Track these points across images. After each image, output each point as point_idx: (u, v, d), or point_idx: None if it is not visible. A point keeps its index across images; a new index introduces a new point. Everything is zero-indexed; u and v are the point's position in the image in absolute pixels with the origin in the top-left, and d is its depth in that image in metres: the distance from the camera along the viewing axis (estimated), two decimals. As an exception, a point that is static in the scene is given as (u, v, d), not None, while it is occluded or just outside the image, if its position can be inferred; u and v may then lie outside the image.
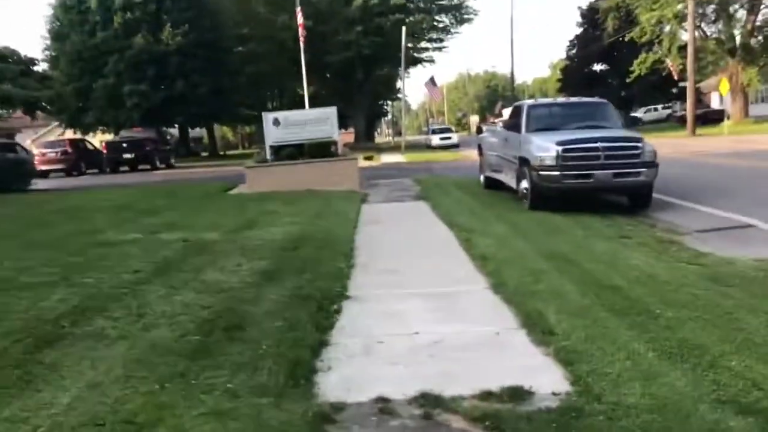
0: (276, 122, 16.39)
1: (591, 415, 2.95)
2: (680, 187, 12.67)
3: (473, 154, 34.48)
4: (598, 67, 60.91)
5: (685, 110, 44.30)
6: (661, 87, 53.80)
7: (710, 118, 45.54)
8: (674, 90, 54.27)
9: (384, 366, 3.84)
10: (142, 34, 38.57)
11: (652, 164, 10.61)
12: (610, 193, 11.10)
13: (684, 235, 8.73)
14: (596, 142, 10.52)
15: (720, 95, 53.38)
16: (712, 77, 49.89)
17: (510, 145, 12.55)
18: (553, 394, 3.29)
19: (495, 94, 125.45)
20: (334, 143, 16.07)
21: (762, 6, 43.58)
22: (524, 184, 11.30)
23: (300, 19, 28.49)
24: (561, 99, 13.31)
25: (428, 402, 3.25)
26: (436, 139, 45.61)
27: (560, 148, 10.50)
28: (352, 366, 3.87)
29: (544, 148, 10.82)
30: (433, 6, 51.35)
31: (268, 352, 3.89)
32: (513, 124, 12.72)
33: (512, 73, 57.48)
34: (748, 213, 9.65)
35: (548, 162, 10.63)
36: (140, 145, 31.31)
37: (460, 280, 5.85)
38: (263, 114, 16.72)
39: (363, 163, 28.29)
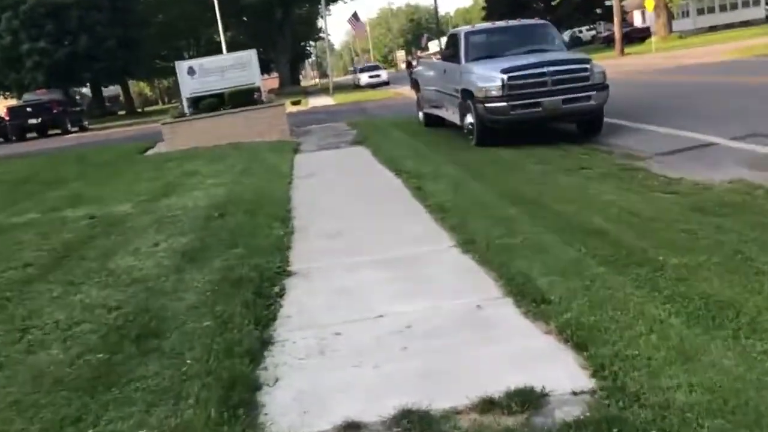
0: (191, 71, 14.91)
1: (638, 428, 2.18)
2: (627, 108, 12.11)
3: (405, 90, 33.51)
4: (522, -8, 60.02)
5: (609, 30, 44.26)
6: (584, 8, 53.50)
7: (635, 36, 45.68)
8: (598, 10, 54.09)
9: (347, 370, 2.99)
10: (35, -15, 35.22)
11: (603, 86, 9.94)
12: (560, 121, 10.41)
13: (645, 159, 8.15)
14: (543, 67, 9.74)
15: (642, 13, 53.80)
16: (635, -5, 49.92)
17: (449, 78, 11.65)
18: (574, 394, 2.51)
19: (419, 28, 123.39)
20: (257, 90, 14.78)
21: None
22: (469, 118, 10.48)
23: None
24: (501, 23, 12.36)
25: (414, 425, 2.42)
26: (364, 78, 44.19)
27: (505, 76, 9.68)
28: (306, 374, 3.00)
29: (488, 77, 9.97)
30: (350, -63, 48.90)
31: (194, 369, 2.97)
32: (450, 55, 11.78)
33: (436, 4, 55.88)
34: (703, 130, 9.16)
35: (494, 92, 9.80)
36: (46, 108, 28.77)
37: (420, 238, 5.00)
38: (176, 63, 15.21)
39: (291, 108, 26.87)
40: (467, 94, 10.50)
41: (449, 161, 8.77)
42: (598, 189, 6.37)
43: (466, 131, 10.69)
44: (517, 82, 9.68)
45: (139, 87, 75.30)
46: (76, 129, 31.33)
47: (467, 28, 11.80)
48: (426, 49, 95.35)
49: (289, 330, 3.51)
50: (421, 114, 14.29)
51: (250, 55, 15.20)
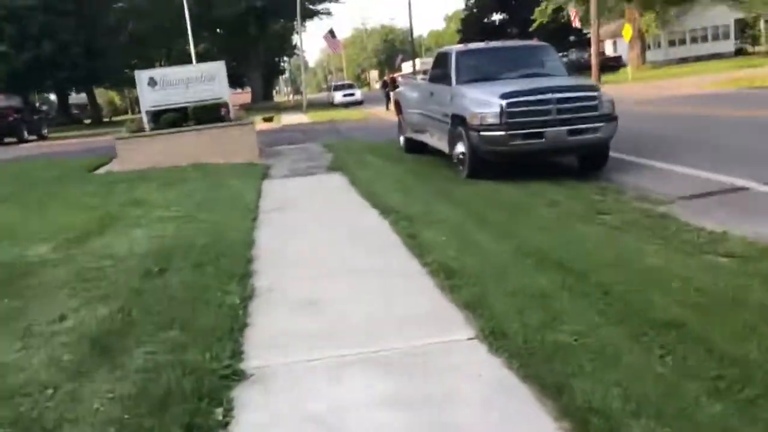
0: (152, 82, 13.48)
1: None
2: (626, 140, 11.02)
3: (380, 110, 32.46)
4: (497, 16, 59.82)
5: (582, 58, 43.96)
6: (558, 36, 53.32)
7: (607, 65, 45.40)
8: (571, 38, 53.98)
9: None
10: (-5, -13, 33.40)
11: (611, 118, 8.81)
12: (564, 154, 9.25)
13: (666, 204, 7.01)
14: (547, 93, 8.59)
15: (614, 43, 53.88)
16: (605, 25, 49.78)
17: (437, 101, 10.46)
18: None
19: (393, 49, 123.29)
20: (225, 105, 13.39)
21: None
22: (460, 147, 9.27)
23: (179, -36, 24.86)
24: (496, 43, 11.26)
25: None
26: (338, 96, 42.99)
27: (504, 102, 8.50)
28: None
29: (484, 102, 8.79)
30: (328, -46, 47.95)
31: None
32: (439, 75, 10.59)
33: (411, 25, 55.05)
34: (725, 171, 8.10)
35: (490, 119, 8.62)
36: (1, 116, 26.92)
37: (426, 320, 3.69)
38: (136, 73, 13.73)
39: (262, 125, 25.50)
40: (458, 120, 9.32)
41: (441, 198, 7.52)
42: (632, 247, 5.15)
43: (455, 161, 9.48)
44: (517, 109, 8.52)
45: (109, 95, 73.15)
46: (34, 137, 29.52)
47: (459, 47, 10.65)
48: (400, 69, 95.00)
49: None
50: (402, 138, 13.08)
51: (219, 67, 13.82)
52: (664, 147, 10.46)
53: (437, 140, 10.77)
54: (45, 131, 30.87)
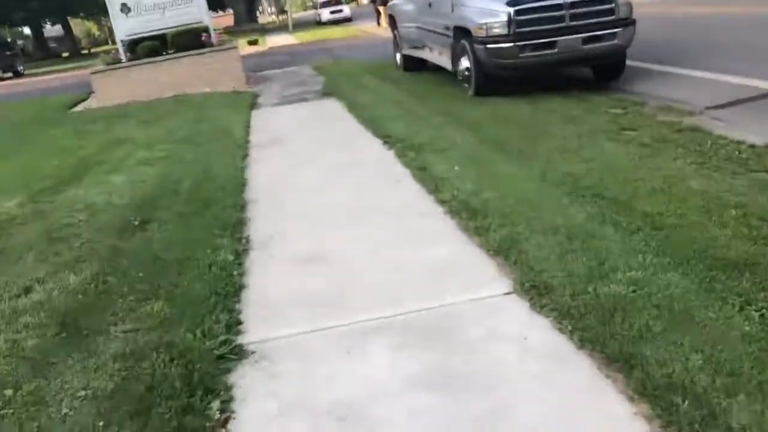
0: (125, 8, 12.49)
1: None
2: (637, 44, 10.26)
3: (370, 27, 31.00)
4: None
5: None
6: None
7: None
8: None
9: None
10: None
11: (629, 22, 8.03)
12: (578, 64, 8.51)
13: (695, 114, 6.40)
14: (558, -3, 7.79)
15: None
16: None
17: (437, 13, 9.61)
18: None
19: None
20: (206, 30, 12.46)
21: None
22: (464, 63, 8.53)
23: None
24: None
25: None
26: (326, 14, 41.15)
27: (512, 10, 7.71)
28: None
29: (490, 11, 7.99)
30: None
31: None
32: (437, -16, 9.68)
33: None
34: (754, 73, 7.43)
35: (497, 30, 7.85)
36: (-30, 54, 25.68)
37: (451, 271, 3.16)
38: (106, -1, 12.71)
39: (247, 49, 24.33)
40: (462, 32, 8.54)
41: (449, 120, 6.89)
42: (670, 168, 4.59)
43: (460, 78, 8.76)
44: (526, 17, 7.74)
45: (86, 26, 70.39)
46: (9, 75, 28.32)
47: (457, -49, 9.70)
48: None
49: None
50: (398, 56, 12.24)
51: (196, -12, 12.78)
52: (678, 50, 9.70)
53: (438, 56, 9.99)
54: (21, 68, 29.60)
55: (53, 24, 44.79)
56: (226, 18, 62.18)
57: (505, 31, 7.79)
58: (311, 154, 6.14)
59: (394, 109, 7.78)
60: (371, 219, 4.04)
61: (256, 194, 4.85)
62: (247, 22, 51.60)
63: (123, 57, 12.59)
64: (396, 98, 8.69)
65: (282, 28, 41.17)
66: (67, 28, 47.02)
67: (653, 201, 3.79)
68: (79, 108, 11.71)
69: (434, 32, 9.78)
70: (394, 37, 12.38)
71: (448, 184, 4.43)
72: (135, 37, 12.54)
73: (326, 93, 9.86)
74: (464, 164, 4.94)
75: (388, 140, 6.09)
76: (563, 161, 4.89)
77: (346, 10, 42.10)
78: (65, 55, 46.22)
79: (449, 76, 9.33)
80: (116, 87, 11.69)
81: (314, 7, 55.48)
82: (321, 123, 7.66)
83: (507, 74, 8.11)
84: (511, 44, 7.78)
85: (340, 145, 6.36)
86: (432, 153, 5.38)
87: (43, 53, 44.06)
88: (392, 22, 12.35)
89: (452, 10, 8.85)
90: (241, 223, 4.16)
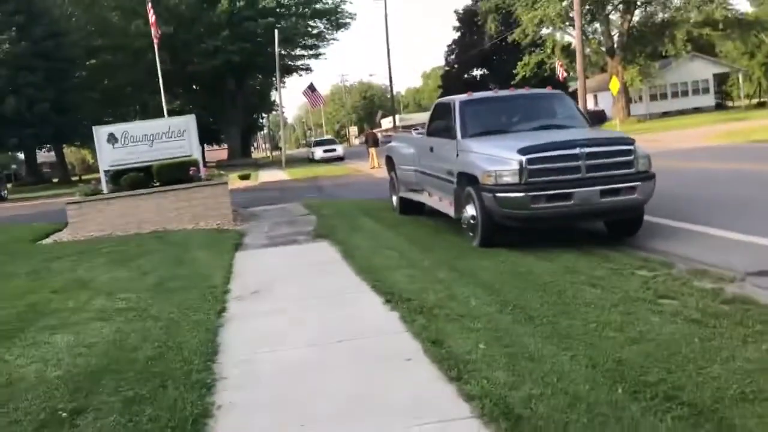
0: (111, 139, 12.02)
1: None
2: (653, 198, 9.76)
3: (362, 166, 31.21)
4: (477, 72, 59.70)
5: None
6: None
7: (594, 119, 45.11)
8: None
9: None
10: (-43, 40, 32.06)
11: (648, 176, 7.52)
12: (595, 218, 7.88)
13: (736, 282, 5.64)
14: (573, 147, 7.27)
15: (594, 97, 53.86)
16: (587, 79, 49.87)
17: (439, 157, 9.13)
18: None
19: (372, 105, 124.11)
20: (194, 163, 11.94)
21: (637, 5, 43.77)
22: (470, 211, 7.88)
23: (152, 18, 23.79)
24: (504, 92, 10.01)
25: None
26: (319, 152, 41.86)
27: (524, 158, 7.17)
28: None
29: (499, 158, 7.45)
30: (307, 10, 47.52)
31: None
32: (440, 128, 9.27)
33: (390, 81, 54.85)
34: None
35: (507, 178, 7.27)
36: (-48, 177, 25.21)
37: None
38: (94, 129, 12.28)
39: (238, 183, 24.07)
40: (467, 178, 7.98)
41: (457, 276, 6.05)
42: (746, 358, 3.70)
43: (464, 226, 8.08)
44: (540, 166, 7.19)
45: (82, 153, 71.47)
46: (-8, 200, 27.80)
47: (462, 96, 9.38)
48: (379, 125, 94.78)
49: None
50: (395, 198, 11.70)
51: (188, 121, 12.42)
52: (692, 206, 9.19)
53: (439, 201, 9.39)
54: (4, 192, 29.13)
55: (48, 150, 45.08)
56: (222, 151, 63.51)
57: (516, 179, 7.20)
58: (299, 312, 5.20)
59: (393, 257, 6.98)
60: (374, 422, 3.05)
61: (229, 370, 3.85)
62: (240, 156, 52.49)
63: (104, 188, 11.93)
64: (394, 245, 7.92)
65: (275, 163, 41.64)
66: (60, 154, 47.37)
67: (747, 412, 2.86)
68: (49, 240, 10.84)
69: (436, 177, 9.25)
70: (391, 178, 11.90)
71: (473, 369, 3.49)
72: (119, 167, 11.98)
73: (318, 235, 9.11)
74: (488, 338, 4.02)
75: (390, 298, 5.21)
76: (608, 341, 4.00)
77: (339, 149, 42.93)
78: (55, 180, 46.24)
79: (449, 222, 8.70)
80: (92, 220, 10.93)
81: (308, 145, 56.81)
82: (312, 271, 6.80)
83: (517, 225, 7.45)
84: (523, 194, 7.17)
85: (334, 302, 5.46)
86: (446, 320, 4.47)
87: (35, 178, 44.03)
88: (390, 163, 11.93)
89: (457, 156, 8.34)
90: (204, 416, 3.15)
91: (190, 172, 11.58)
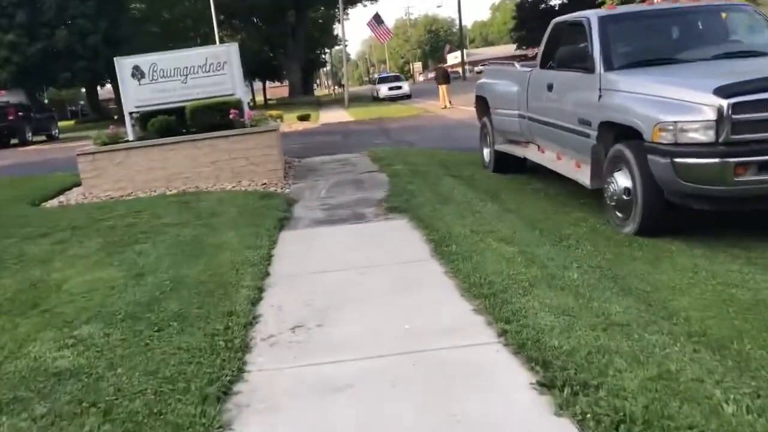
0: (138, 73, 9.75)
1: None
2: None
3: (432, 106, 28.21)
4: (556, 1, 54.69)
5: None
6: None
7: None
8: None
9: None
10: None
11: None
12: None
13: None
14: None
15: None
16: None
17: (565, 98, 6.45)
18: None
19: (437, 40, 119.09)
20: (237, 105, 9.55)
21: None
22: (622, 181, 5.25)
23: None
24: (663, 4, 7.13)
25: None
26: (384, 90, 39.01)
27: (725, 102, 4.50)
28: None
29: (680, 102, 4.81)
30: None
31: None
32: (567, 57, 6.49)
33: (459, 13, 50.84)
34: None
35: (695, 134, 4.65)
36: (1, 114, 23.76)
37: None
38: (116, 60, 10.03)
39: (296, 125, 21.72)
40: (617, 131, 5.34)
41: (645, 308, 3.49)
42: None
43: (610, 202, 5.46)
44: (751, 115, 4.51)
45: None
46: (42, 138, 26.44)
47: (601, 11, 6.59)
48: (446, 60, 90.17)
49: None
50: (487, 152, 9.08)
51: (230, 51, 9.96)
52: None
53: (557, 161, 6.77)
54: (55, 131, 27.77)
55: (102, 86, 43.81)
56: (283, 89, 61.21)
57: (710, 136, 4.54)
58: (371, 381, 2.80)
59: (515, 259, 4.44)
60: None
61: None
62: (302, 94, 50.11)
63: (130, 134, 9.75)
64: (505, 229, 5.36)
65: (338, 101, 39.10)
66: (115, 89, 46.08)
67: None
68: (54, 202, 8.73)
69: (556, 126, 6.59)
70: (483, 126, 9.24)
71: None
72: (147, 109, 9.76)
73: (394, 207, 6.63)
74: None
75: (545, 376, 2.73)
76: None
77: (405, 86, 39.96)
78: (116, 117, 45.09)
79: (565, 185, 6.12)
80: (109, 175, 8.77)
81: (371, 82, 53.78)
82: (391, 281, 4.34)
83: (707, 207, 4.79)
84: (721, 159, 4.49)
85: (435, 364, 3.02)
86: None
87: (97, 115, 42.92)
88: (481, 106, 9.23)
89: (600, 97, 5.64)
90: None
91: (231, 116, 9.21)
